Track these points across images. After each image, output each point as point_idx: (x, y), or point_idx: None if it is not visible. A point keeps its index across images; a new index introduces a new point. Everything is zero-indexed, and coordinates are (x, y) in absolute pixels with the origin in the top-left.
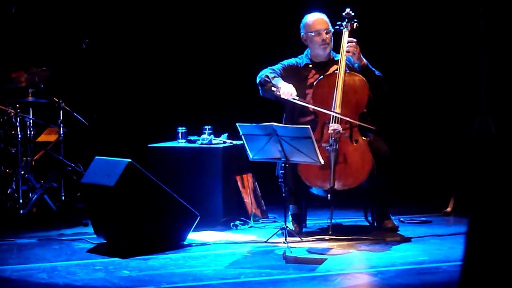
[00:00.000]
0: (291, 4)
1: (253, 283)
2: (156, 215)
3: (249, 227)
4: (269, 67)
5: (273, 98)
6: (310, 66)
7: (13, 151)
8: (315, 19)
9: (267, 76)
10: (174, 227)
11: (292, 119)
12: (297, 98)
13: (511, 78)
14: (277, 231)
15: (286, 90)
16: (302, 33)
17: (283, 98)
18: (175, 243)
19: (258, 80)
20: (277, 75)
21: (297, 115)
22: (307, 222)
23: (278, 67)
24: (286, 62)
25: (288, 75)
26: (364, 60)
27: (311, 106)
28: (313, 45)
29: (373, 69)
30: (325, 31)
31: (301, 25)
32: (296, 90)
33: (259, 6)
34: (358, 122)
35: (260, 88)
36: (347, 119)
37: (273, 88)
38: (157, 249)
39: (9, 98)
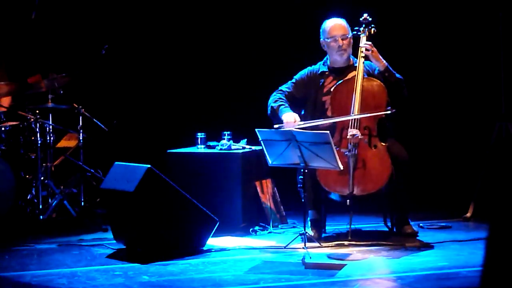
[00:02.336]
0: (311, 11)
1: None
2: (175, 220)
3: (268, 232)
4: (277, 90)
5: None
6: (327, 73)
7: (33, 157)
8: (333, 24)
9: (272, 108)
10: (194, 233)
11: (313, 116)
12: (301, 123)
13: None
14: (296, 237)
15: (288, 121)
16: (321, 39)
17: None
18: (195, 248)
19: (268, 111)
20: (283, 101)
21: (317, 118)
22: (326, 228)
23: (287, 86)
24: (298, 76)
25: (302, 87)
26: (384, 61)
27: (318, 123)
28: (330, 51)
29: (394, 71)
30: (341, 37)
31: (320, 30)
32: (313, 98)
33: (279, 13)
34: (376, 113)
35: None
36: (366, 115)
37: (275, 126)
38: (177, 255)
39: (29, 104)
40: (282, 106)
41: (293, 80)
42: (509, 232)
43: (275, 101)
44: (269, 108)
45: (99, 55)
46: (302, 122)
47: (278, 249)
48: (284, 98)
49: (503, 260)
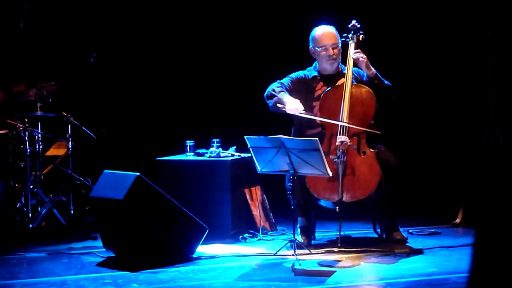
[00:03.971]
0: (300, 17)
1: None
2: (165, 228)
3: (258, 239)
4: (277, 81)
5: (280, 112)
6: (318, 78)
7: (22, 166)
8: (322, 33)
9: (273, 90)
10: (183, 240)
11: (300, 131)
12: (303, 112)
13: None
14: (286, 244)
15: (292, 105)
16: (310, 46)
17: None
18: (184, 256)
19: (265, 94)
20: (284, 90)
21: (305, 128)
22: (315, 235)
23: (286, 80)
24: (294, 75)
25: (296, 88)
26: (373, 69)
27: (318, 118)
28: (320, 59)
29: (382, 78)
30: (332, 46)
31: (310, 38)
32: (304, 102)
33: (266, 21)
34: (365, 129)
35: (267, 102)
36: (355, 127)
37: (278, 104)
38: (166, 262)
39: (17, 112)
40: (285, 92)
41: (291, 77)
42: (497, 238)
43: (277, 87)
44: (268, 92)
45: (87, 63)
46: (304, 112)
47: (268, 256)
48: (286, 88)
49: (490, 266)
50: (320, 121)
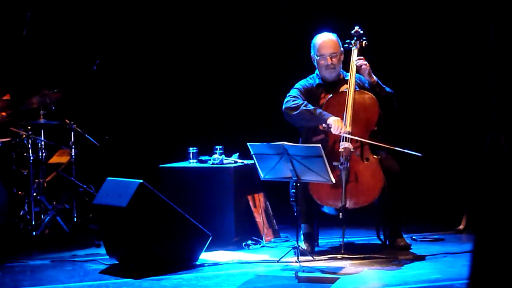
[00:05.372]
0: (303, 23)
1: None
2: (168, 235)
3: (261, 246)
4: (291, 96)
5: (312, 127)
6: (322, 85)
7: (25, 173)
8: (322, 42)
9: (307, 111)
10: (186, 247)
11: (307, 138)
12: (348, 131)
13: None
14: (289, 251)
15: (338, 126)
16: (311, 53)
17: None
18: (188, 263)
19: (294, 113)
20: (311, 105)
21: (311, 135)
22: (319, 241)
23: (297, 92)
24: (301, 85)
25: (306, 98)
26: (375, 77)
27: (364, 140)
28: (319, 67)
29: (384, 86)
30: (330, 56)
31: (311, 45)
32: None
33: (271, 27)
34: (369, 141)
35: (296, 119)
36: (357, 138)
37: (323, 125)
38: (170, 270)
39: (21, 120)
40: (320, 110)
41: (299, 88)
42: (499, 244)
43: (305, 105)
44: (299, 111)
45: (90, 70)
46: (348, 131)
47: (271, 263)
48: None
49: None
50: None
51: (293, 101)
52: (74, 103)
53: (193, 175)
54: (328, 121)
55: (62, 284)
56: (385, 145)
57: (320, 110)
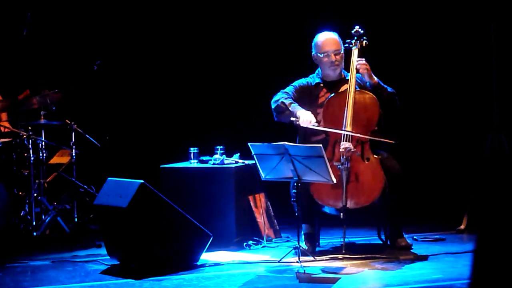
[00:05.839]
0: (303, 23)
1: None
2: (169, 235)
3: (262, 247)
4: (282, 91)
5: (288, 122)
6: (321, 85)
7: (26, 174)
8: (325, 39)
9: (283, 103)
10: (187, 248)
11: (305, 139)
12: (316, 124)
13: None
14: (290, 251)
15: (305, 118)
16: (313, 53)
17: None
18: (189, 263)
19: (273, 106)
20: (292, 100)
21: (309, 135)
22: (320, 241)
23: (290, 89)
24: (297, 83)
25: (300, 96)
26: (375, 78)
27: (332, 130)
28: (323, 66)
29: (385, 86)
30: (334, 53)
31: (312, 44)
32: (307, 109)
33: (270, 26)
34: (370, 137)
35: (275, 113)
36: (358, 135)
37: (292, 118)
38: (171, 270)
39: (21, 120)
40: (295, 104)
41: (295, 85)
42: (499, 244)
43: (286, 98)
44: (277, 104)
45: (91, 71)
46: (317, 124)
47: (272, 263)
48: (292, 98)
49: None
50: (329, 131)
51: (278, 95)
52: (75, 103)
53: (194, 176)
54: (297, 114)
55: (62, 284)
56: (368, 137)
57: (295, 104)
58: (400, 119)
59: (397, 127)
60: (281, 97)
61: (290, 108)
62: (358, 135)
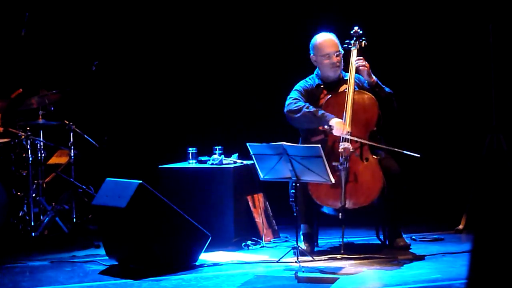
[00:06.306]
0: (302, 23)
1: None
2: (168, 236)
3: (261, 247)
4: (292, 98)
5: (305, 127)
6: (322, 86)
7: (24, 174)
8: (325, 41)
9: (309, 112)
10: (186, 248)
11: (306, 139)
12: (350, 133)
13: None
14: (289, 251)
15: (339, 127)
16: (311, 54)
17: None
18: (187, 263)
19: (297, 115)
20: (313, 107)
21: (310, 135)
22: (318, 241)
23: (297, 94)
24: (301, 87)
25: (306, 99)
26: (374, 77)
27: (373, 144)
28: (323, 67)
29: (383, 86)
30: (335, 54)
31: (311, 46)
32: None
33: (269, 28)
34: (368, 142)
35: (292, 117)
36: (356, 139)
37: (325, 126)
38: (169, 270)
39: (19, 120)
40: (322, 111)
41: (299, 89)
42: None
43: (307, 107)
44: (302, 112)
45: (89, 71)
46: (350, 133)
47: (271, 263)
48: (306, 103)
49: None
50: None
51: (295, 103)
52: (73, 103)
53: (193, 176)
54: (330, 123)
55: (61, 285)
56: (384, 146)
57: (323, 112)
58: (397, 120)
59: (394, 127)
60: (299, 105)
61: (319, 116)
62: (391, 148)
